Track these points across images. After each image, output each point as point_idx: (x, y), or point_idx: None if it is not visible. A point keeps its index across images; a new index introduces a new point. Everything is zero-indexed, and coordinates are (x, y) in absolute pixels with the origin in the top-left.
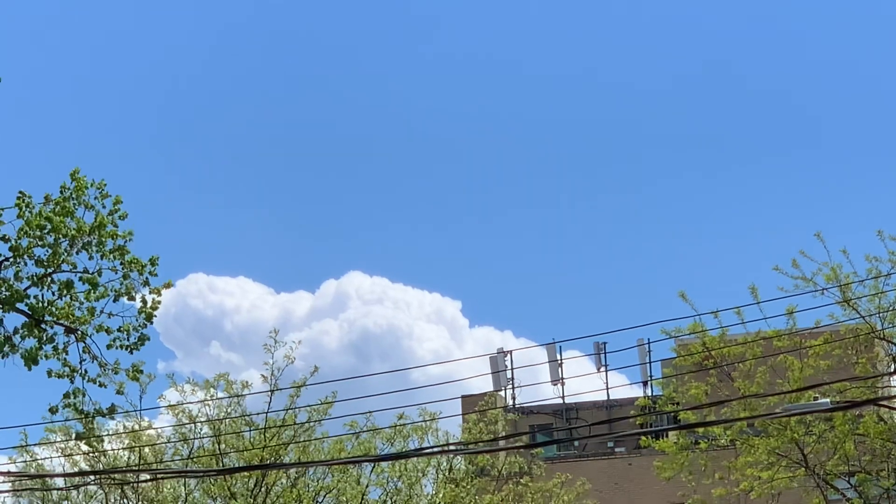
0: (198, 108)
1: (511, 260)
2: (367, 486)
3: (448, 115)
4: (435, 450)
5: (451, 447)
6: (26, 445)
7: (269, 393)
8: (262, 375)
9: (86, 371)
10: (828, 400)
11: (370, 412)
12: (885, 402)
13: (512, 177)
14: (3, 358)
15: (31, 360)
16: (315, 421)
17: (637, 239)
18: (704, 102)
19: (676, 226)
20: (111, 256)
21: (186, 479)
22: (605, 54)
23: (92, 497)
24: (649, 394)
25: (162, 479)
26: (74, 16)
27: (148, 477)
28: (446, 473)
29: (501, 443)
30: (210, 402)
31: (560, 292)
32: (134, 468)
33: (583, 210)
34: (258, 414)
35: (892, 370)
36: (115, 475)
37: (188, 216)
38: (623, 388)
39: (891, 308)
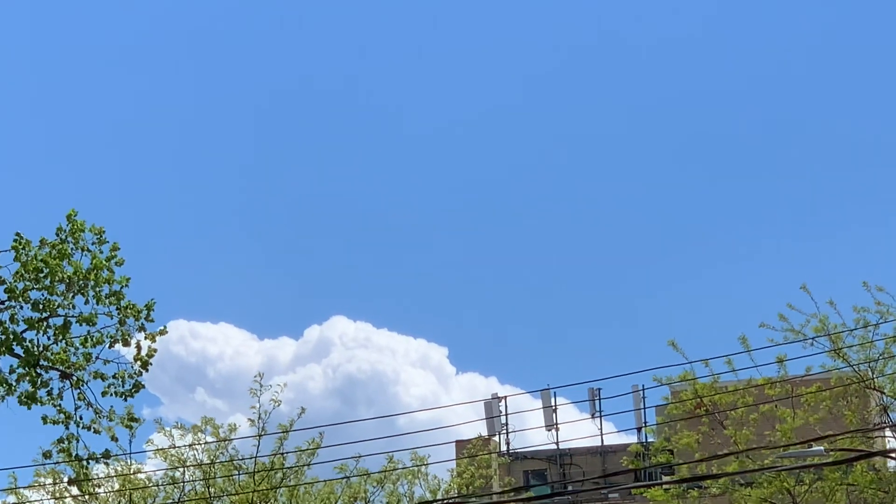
0: (178, 150)
1: (496, 306)
2: None
3: (431, 157)
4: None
5: (449, 499)
6: (15, 488)
7: (258, 437)
8: (250, 419)
9: (80, 417)
10: (822, 448)
11: (360, 455)
12: (892, 455)
13: (495, 222)
14: (1, 401)
15: (29, 398)
16: (304, 465)
17: (624, 285)
18: (694, 149)
19: (662, 274)
20: (107, 301)
21: None
22: (589, 76)
23: None
24: (643, 440)
25: None
26: (57, 52)
27: None
28: None
29: (495, 496)
30: (198, 446)
31: (545, 339)
32: None
33: (568, 256)
34: (248, 459)
35: (883, 420)
36: None
37: (166, 261)
38: (617, 434)
39: (880, 357)
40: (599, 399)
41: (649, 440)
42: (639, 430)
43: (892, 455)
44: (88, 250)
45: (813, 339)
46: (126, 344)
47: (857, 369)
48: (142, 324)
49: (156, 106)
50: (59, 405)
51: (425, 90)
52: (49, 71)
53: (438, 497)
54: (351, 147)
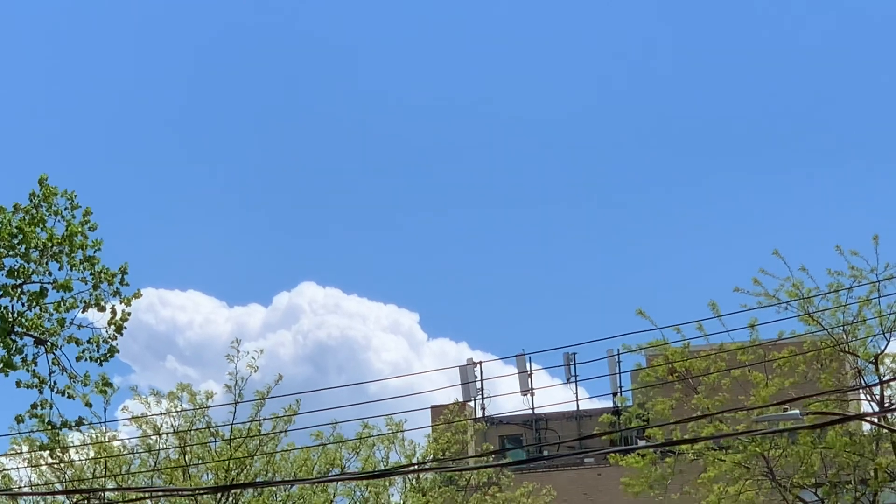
0: (145, 115)
1: (467, 271)
2: (334, 495)
3: (402, 119)
4: (410, 468)
5: (426, 464)
6: None
7: (234, 403)
8: (226, 385)
9: (55, 382)
10: (797, 411)
11: (336, 422)
12: (867, 419)
13: (466, 188)
14: None
15: (7, 365)
16: (281, 431)
17: (595, 250)
18: (665, 118)
19: (637, 240)
20: (81, 267)
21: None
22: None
23: None
24: (618, 405)
25: (127, 489)
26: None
27: (114, 487)
28: (414, 483)
29: (471, 461)
30: (174, 413)
31: (517, 305)
32: (100, 477)
33: (539, 223)
34: (224, 425)
35: (857, 383)
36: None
37: (133, 230)
38: (593, 398)
39: (854, 321)
40: (574, 364)
41: (627, 405)
42: (614, 394)
43: (866, 419)
44: (62, 215)
45: (787, 303)
46: (101, 309)
47: (830, 333)
48: (116, 288)
49: (122, 70)
50: (34, 370)
51: (407, 58)
52: (13, 33)
53: (414, 461)
54: (320, 111)
